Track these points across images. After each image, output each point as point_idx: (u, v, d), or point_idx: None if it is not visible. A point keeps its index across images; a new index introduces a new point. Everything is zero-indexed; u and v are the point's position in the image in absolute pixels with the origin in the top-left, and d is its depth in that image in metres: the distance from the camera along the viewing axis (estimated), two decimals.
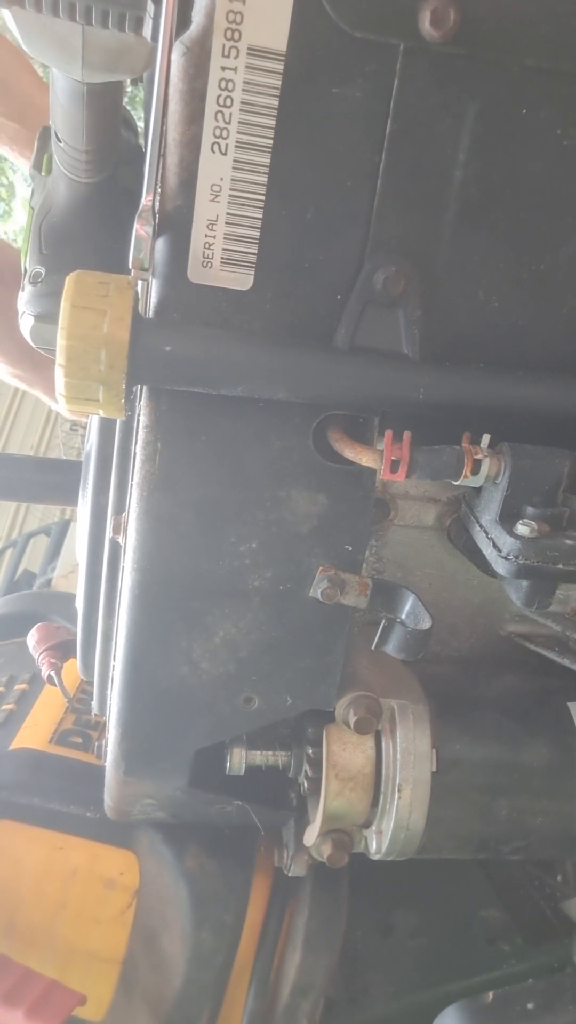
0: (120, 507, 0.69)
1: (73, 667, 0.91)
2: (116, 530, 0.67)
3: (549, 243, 0.59)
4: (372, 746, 0.73)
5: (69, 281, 0.52)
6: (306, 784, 0.75)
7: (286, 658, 0.68)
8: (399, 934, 1.02)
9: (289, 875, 0.84)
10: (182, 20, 0.51)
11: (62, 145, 0.75)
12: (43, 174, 0.89)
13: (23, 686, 1.05)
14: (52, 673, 0.95)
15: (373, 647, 0.66)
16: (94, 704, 0.86)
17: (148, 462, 0.60)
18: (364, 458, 0.60)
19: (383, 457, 0.58)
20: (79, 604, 0.80)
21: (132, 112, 0.94)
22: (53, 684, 0.96)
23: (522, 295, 0.60)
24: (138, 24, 0.59)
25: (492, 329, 0.61)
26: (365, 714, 0.71)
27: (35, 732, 0.97)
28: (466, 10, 0.51)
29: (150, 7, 0.57)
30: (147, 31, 0.59)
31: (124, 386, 0.53)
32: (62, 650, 0.97)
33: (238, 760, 0.75)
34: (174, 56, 0.51)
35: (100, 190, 0.81)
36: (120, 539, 0.67)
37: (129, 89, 0.81)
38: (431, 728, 0.74)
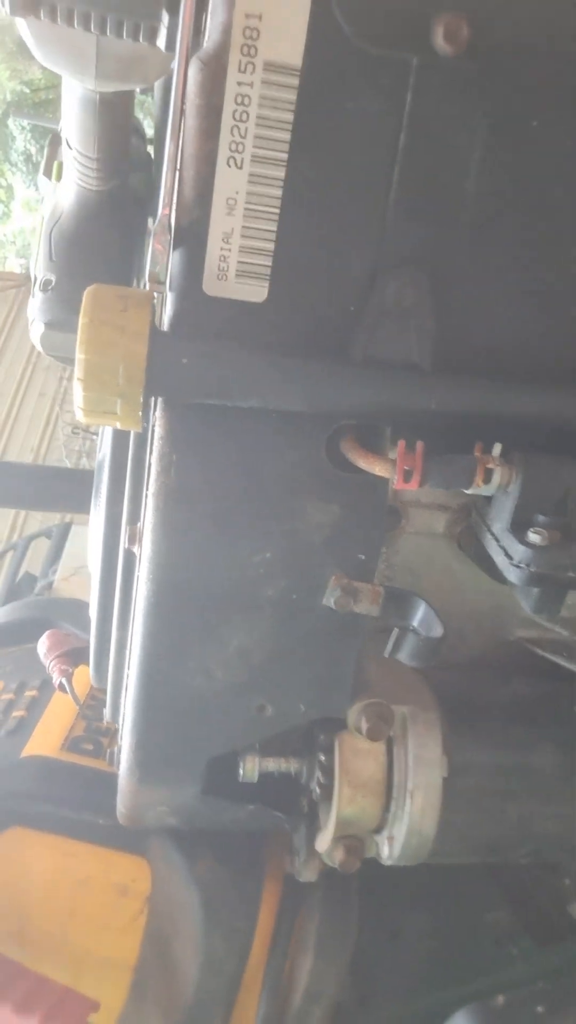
0: (134, 517, 0.69)
1: (83, 673, 0.91)
2: (131, 540, 0.68)
3: (561, 255, 0.59)
4: (384, 752, 0.74)
5: (87, 296, 0.53)
6: (318, 790, 0.75)
7: (299, 666, 0.69)
8: (408, 937, 1.02)
9: (300, 881, 0.84)
10: (198, 36, 0.52)
11: (73, 153, 0.75)
12: (53, 181, 0.90)
13: (33, 693, 1.05)
14: (64, 680, 0.95)
15: (387, 654, 0.67)
16: (107, 712, 0.86)
17: (163, 473, 0.61)
18: (377, 468, 0.60)
19: (396, 467, 0.58)
20: (93, 613, 0.81)
21: (140, 118, 0.94)
22: (65, 691, 0.96)
23: (534, 306, 0.60)
24: (152, 34, 0.60)
25: (504, 340, 0.61)
26: (377, 721, 0.71)
27: (46, 739, 0.97)
28: (478, 25, 0.51)
29: (164, 17, 0.57)
30: (162, 42, 0.59)
31: (142, 399, 0.53)
32: (72, 657, 0.97)
33: (251, 767, 0.75)
34: (191, 71, 0.52)
35: (110, 198, 0.81)
36: (135, 549, 0.67)
37: (139, 95, 0.82)
38: (442, 734, 0.74)
